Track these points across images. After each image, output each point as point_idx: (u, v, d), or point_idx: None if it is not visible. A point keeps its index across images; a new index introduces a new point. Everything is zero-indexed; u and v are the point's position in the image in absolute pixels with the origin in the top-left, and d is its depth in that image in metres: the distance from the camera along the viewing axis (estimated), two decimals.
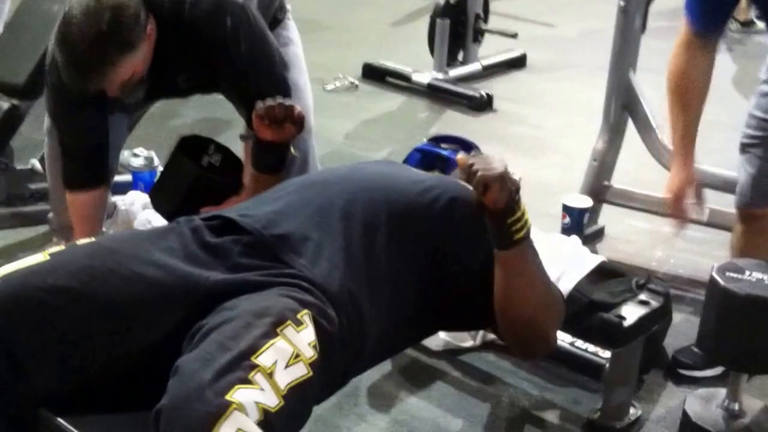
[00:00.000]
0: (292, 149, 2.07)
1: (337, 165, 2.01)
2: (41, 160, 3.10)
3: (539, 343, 1.74)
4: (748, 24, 5.90)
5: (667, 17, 6.08)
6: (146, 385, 1.42)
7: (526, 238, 1.63)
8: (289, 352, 1.39)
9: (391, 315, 1.69)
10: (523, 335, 1.71)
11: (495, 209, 1.59)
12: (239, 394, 1.30)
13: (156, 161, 3.39)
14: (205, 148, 2.28)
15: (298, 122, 1.97)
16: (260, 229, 1.64)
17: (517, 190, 1.60)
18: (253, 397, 1.31)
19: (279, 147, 2.02)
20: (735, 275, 1.94)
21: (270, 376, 1.35)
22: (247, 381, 1.32)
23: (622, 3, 2.92)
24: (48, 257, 1.55)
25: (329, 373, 1.52)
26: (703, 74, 2.42)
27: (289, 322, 1.43)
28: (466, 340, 2.58)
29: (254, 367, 1.34)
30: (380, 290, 1.66)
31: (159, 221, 2.85)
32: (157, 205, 2.40)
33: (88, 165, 2.40)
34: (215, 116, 4.12)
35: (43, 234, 3.01)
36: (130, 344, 1.50)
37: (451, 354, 2.56)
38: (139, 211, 3.06)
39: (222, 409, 1.28)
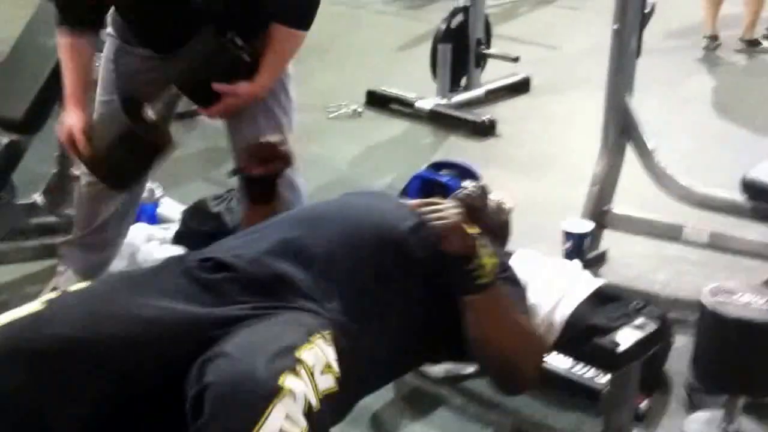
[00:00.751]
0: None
1: (329, 196, 2.02)
2: (45, 193, 3.13)
3: (514, 382, 1.74)
4: (753, 43, 5.91)
5: (677, 37, 6.13)
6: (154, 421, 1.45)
7: (491, 283, 1.63)
8: (323, 359, 1.42)
9: (384, 346, 1.70)
10: (498, 374, 1.72)
11: (454, 257, 1.60)
12: (290, 381, 1.32)
13: (158, 193, 3.41)
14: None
15: (285, 159, 2.02)
16: (253, 268, 1.64)
17: (476, 237, 1.60)
18: (301, 387, 1.34)
19: (268, 179, 2.04)
20: (724, 299, 1.95)
21: (312, 375, 1.37)
22: (294, 371, 1.34)
23: (615, 26, 2.93)
24: (44, 305, 1.54)
25: (346, 395, 1.52)
26: None
27: (318, 334, 1.46)
28: (467, 366, 2.58)
29: (299, 361, 1.36)
30: (374, 324, 1.67)
31: (163, 253, 2.88)
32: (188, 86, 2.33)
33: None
34: (219, 146, 4.13)
35: (48, 267, 3.03)
36: (136, 385, 1.49)
37: (453, 380, 2.55)
38: (142, 243, 3.08)
39: (275, 391, 1.30)
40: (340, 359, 1.48)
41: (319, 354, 1.41)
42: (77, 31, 2.33)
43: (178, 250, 2.96)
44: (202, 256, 1.72)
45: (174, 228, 3.20)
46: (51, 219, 3.11)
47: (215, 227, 3.04)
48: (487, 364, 1.72)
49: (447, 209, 1.60)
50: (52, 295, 1.61)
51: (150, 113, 2.25)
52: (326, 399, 1.39)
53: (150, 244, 3.10)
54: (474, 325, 1.65)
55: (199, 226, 3.12)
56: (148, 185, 3.41)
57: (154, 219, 3.32)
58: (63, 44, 2.34)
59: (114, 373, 1.48)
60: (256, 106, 2.36)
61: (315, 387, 1.37)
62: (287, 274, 1.64)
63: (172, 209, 3.36)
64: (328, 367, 1.42)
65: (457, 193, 2.14)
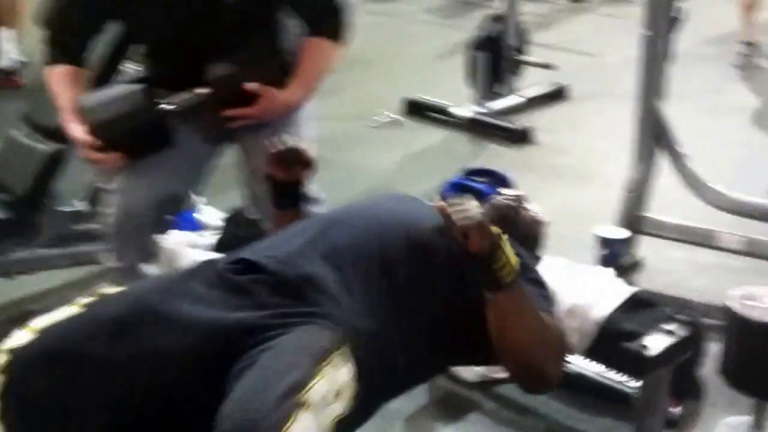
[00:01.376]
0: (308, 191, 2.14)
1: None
2: (86, 200, 3.19)
3: (538, 381, 1.75)
4: None
5: (714, 43, 6.09)
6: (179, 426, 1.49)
7: (514, 282, 1.65)
8: (333, 387, 1.44)
9: (414, 349, 1.72)
10: (522, 373, 1.74)
11: (478, 256, 1.62)
12: (294, 428, 1.35)
13: (198, 200, 3.47)
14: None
15: (308, 164, 2.05)
16: (284, 269, 1.67)
17: (500, 236, 1.63)
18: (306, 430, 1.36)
19: (292, 185, 2.08)
20: (751, 302, 1.95)
21: (317, 412, 1.40)
22: (299, 415, 1.37)
23: (646, 32, 2.93)
24: (81, 309, 1.60)
25: (365, 406, 1.56)
26: None
27: (328, 359, 1.47)
28: (500, 371, 2.59)
29: (301, 404, 1.38)
30: (401, 327, 1.69)
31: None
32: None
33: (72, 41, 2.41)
34: None
35: (90, 274, 3.10)
36: (169, 390, 1.53)
37: (486, 385, 2.57)
38: (184, 249, 3.13)
39: None
40: (360, 368, 1.51)
41: (329, 383, 1.44)
42: (72, 65, 2.39)
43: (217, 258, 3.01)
44: (233, 259, 1.76)
45: (214, 235, 3.25)
46: (93, 225, 3.16)
47: (254, 234, 3.07)
48: (509, 363, 1.73)
49: (470, 208, 1.61)
50: (90, 299, 1.65)
51: (165, 104, 2.32)
52: (340, 423, 1.44)
53: (192, 251, 3.15)
54: (496, 323, 1.67)
55: (239, 233, 3.16)
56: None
57: (195, 225, 3.37)
58: (57, 72, 2.38)
59: (142, 380, 1.52)
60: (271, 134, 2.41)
61: (322, 423, 1.40)
62: (316, 274, 1.67)
63: (211, 216, 3.41)
64: (339, 393, 1.45)
65: (493, 198, 2.16)
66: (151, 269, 2.88)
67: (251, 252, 1.77)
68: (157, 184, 2.48)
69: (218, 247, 3.16)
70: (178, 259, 3.08)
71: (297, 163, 2.06)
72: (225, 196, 3.65)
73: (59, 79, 2.37)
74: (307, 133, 2.50)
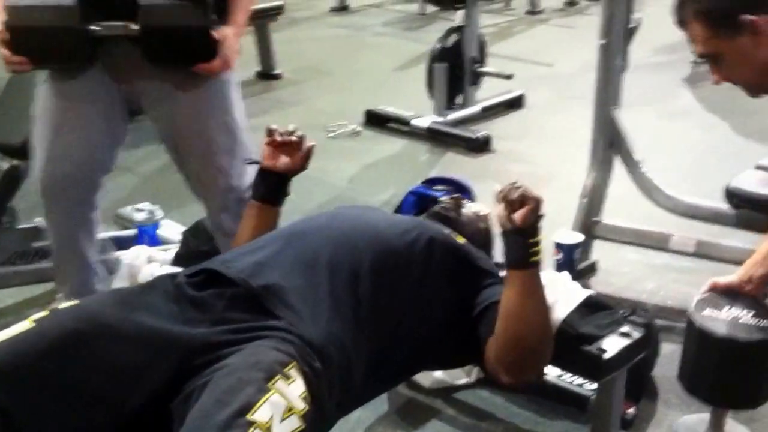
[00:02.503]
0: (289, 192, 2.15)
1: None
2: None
3: (532, 366, 1.81)
4: None
5: (667, 52, 6.18)
6: None
7: (540, 263, 1.74)
8: (283, 405, 1.44)
9: (378, 355, 1.74)
10: (521, 358, 1.77)
11: (522, 227, 1.70)
12: None
13: (158, 214, 3.47)
14: None
15: (306, 155, 2.09)
16: (246, 278, 1.68)
17: (541, 218, 1.74)
18: None
19: (280, 177, 2.09)
20: (712, 312, 1.99)
21: (269, 429, 1.40)
22: None
23: (601, 41, 2.99)
24: (33, 324, 1.57)
25: (321, 420, 1.56)
26: None
27: (279, 376, 1.47)
28: (460, 377, 2.62)
29: (251, 424, 1.38)
30: (367, 334, 1.71)
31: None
32: None
33: None
34: None
35: (49, 291, 3.08)
36: (120, 406, 1.52)
37: (446, 392, 2.60)
38: (143, 265, 3.13)
39: None
40: (315, 382, 1.53)
41: (279, 400, 1.44)
42: None
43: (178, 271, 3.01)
44: (193, 270, 1.76)
45: (174, 249, 3.25)
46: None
47: (214, 247, 3.08)
48: (511, 346, 1.75)
49: (527, 188, 1.72)
50: (42, 314, 1.63)
51: (92, 27, 2.31)
52: None
53: (151, 265, 3.15)
54: (514, 302, 1.73)
55: (198, 247, 3.16)
56: (149, 207, 3.47)
57: (155, 240, 3.38)
58: None
59: (94, 397, 1.52)
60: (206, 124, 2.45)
61: None
62: (278, 284, 1.68)
63: (173, 231, 3.41)
64: (290, 409, 1.45)
65: (433, 208, 2.21)
66: (113, 283, 2.88)
67: (213, 263, 1.78)
68: (83, 142, 2.46)
69: (176, 260, 3.16)
70: (138, 274, 3.08)
71: (292, 153, 2.08)
72: (185, 210, 3.66)
73: None
74: (241, 113, 2.52)
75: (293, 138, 2.06)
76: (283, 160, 2.08)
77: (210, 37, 2.32)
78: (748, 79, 1.93)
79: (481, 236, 2.16)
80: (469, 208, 2.22)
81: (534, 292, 1.75)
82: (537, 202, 1.71)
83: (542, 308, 1.78)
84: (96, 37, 2.32)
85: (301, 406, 1.47)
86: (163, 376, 1.53)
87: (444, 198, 2.25)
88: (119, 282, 2.98)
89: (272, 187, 2.09)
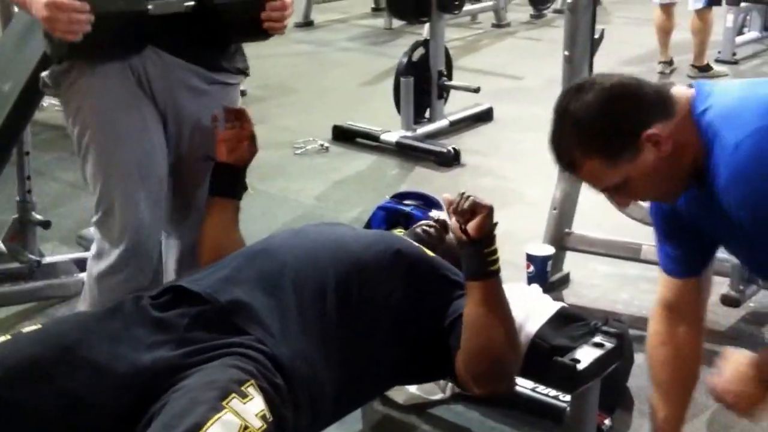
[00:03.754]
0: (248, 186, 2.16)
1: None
2: (6, 240, 3.12)
3: (499, 376, 1.80)
4: (705, 69, 5.99)
5: (633, 64, 6.23)
6: None
7: (499, 272, 1.73)
8: (237, 424, 1.42)
9: (350, 371, 1.73)
10: (487, 368, 1.76)
11: (476, 237, 1.69)
12: None
13: None
14: None
15: (253, 144, 2.10)
16: (213, 294, 1.66)
17: (495, 226, 1.73)
18: None
19: (235, 170, 2.11)
20: None
21: None
22: None
23: (566, 53, 2.99)
24: None
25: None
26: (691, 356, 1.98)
27: (234, 394, 1.45)
28: (435, 392, 2.59)
29: None
30: (335, 349, 1.70)
31: None
32: None
33: None
34: None
35: (13, 314, 3.03)
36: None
37: (421, 407, 2.57)
38: None
39: None
40: (277, 400, 1.51)
41: (233, 419, 1.42)
42: None
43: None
44: (158, 291, 1.74)
45: None
46: (14, 266, 3.09)
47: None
48: (477, 357, 1.75)
49: (476, 197, 1.71)
50: (3, 338, 1.61)
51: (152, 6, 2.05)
52: None
53: None
54: (476, 312, 1.72)
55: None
56: None
57: None
58: None
59: (56, 424, 1.49)
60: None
61: None
62: (245, 300, 1.66)
63: None
64: (245, 428, 1.42)
65: (415, 227, 2.18)
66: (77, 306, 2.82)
67: (178, 281, 1.76)
68: (157, 193, 2.16)
69: None
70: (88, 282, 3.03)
71: (243, 143, 2.10)
72: None
73: None
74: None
75: (236, 123, 2.11)
76: (236, 153, 2.11)
77: None
78: (661, 189, 1.74)
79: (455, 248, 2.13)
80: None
81: (495, 302, 1.73)
82: (489, 211, 1.70)
83: (505, 318, 1.76)
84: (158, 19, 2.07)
85: (257, 424, 1.44)
86: (126, 402, 1.51)
87: (432, 217, 2.23)
88: (82, 304, 2.92)
89: (231, 180, 2.12)
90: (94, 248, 2.22)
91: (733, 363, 1.76)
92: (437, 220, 2.20)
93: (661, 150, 1.64)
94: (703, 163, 1.65)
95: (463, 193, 1.72)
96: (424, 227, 2.17)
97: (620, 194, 1.76)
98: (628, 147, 1.64)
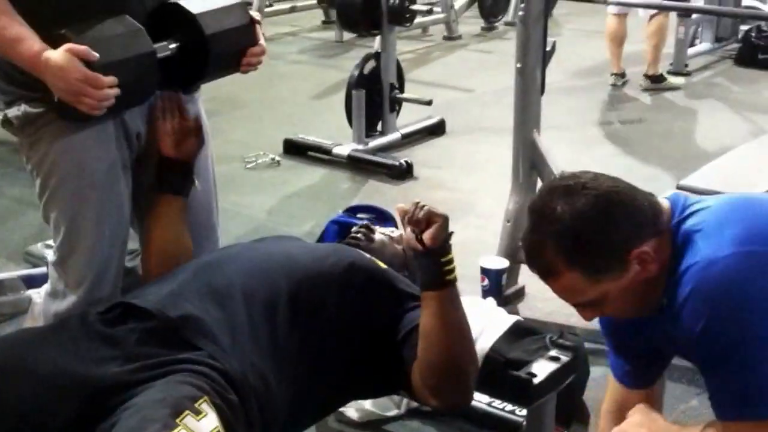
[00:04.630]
0: (196, 182, 2.12)
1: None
2: None
3: (457, 388, 1.78)
4: (658, 79, 6.05)
5: (581, 76, 6.29)
6: None
7: (455, 281, 1.72)
8: None
9: (303, 386, 1.71)
10: (444, 380, 1.74)
11: (432, 247, 1.67)
12: None
13: None
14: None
15: (198, 132, 2.06)
16: (162, 309, 1.64)
17: (450, 235, 1.71)
18: None
19: (183, 165, 2.07)
20: None
21: None
22: None
23: (518, 65, 3.00)
24: None
25: None
26: None
27: (187, 411, 1.43)
28: (390, 408, 2.57)
29: None
30: (288, 363, 1.68)
31: None
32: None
33: None
34: None
35: None
36: None
37: (376, 424, 2.55)
38: None
39: None
40: (231, 415, 1.49)
41: None
42: None
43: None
44: (105, 307, 1.71)
45: None
46: None
47: (129, 283, 2.98)
48: (434, 371, 1.73)
49: (433, 207, 1.70)
50: None
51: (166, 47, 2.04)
52: None
53: None
54: (432, 323, 1.70)
55: None
56: None
57: None
58: None
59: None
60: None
61: None
62: (195, 314, 1.64)
63: None
64: None
65: (347, 240, 2.17)
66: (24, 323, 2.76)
67: (126, 296, 1.75)
68: (121, 237, 2.10)
69: None
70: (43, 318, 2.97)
71: (189, 137, 2.05)
72: None
73: None
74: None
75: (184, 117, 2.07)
76: (182, 146, 2.07)
77: (255, 28, 2.16)
78: (635, 306, 1.64)
79: (398, 258, 2.13)
80: (380, 233, 2.20)
81: (452, 312, 1.73)
82: (444, 220, 1.70)
83: (462, 328, 1.76)
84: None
85: None
86: (72, 418, 1.48)
87: (354, 229, 2.22)
88: (30, 321, 2.86)
89: (177, 176, 2.07)
90: (48, 287, 2.17)
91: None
92: (362, 225, 2.20)
93: (647, 269, 1.55)
94: (669, 267, 1.56)
95: (418, 203, 1.71)
96: (353, 234, 2.16)
97: (592, 309, 1.66)
98: (616, 264, 1.54)
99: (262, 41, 2.18)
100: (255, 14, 2.20)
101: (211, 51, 2.05)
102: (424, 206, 1.69)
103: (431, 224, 1.68)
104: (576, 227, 1.53)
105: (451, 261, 1.72)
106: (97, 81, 1.82)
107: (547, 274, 1.61)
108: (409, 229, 1.71)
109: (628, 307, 1.65)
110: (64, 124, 1.98)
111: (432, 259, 1.70)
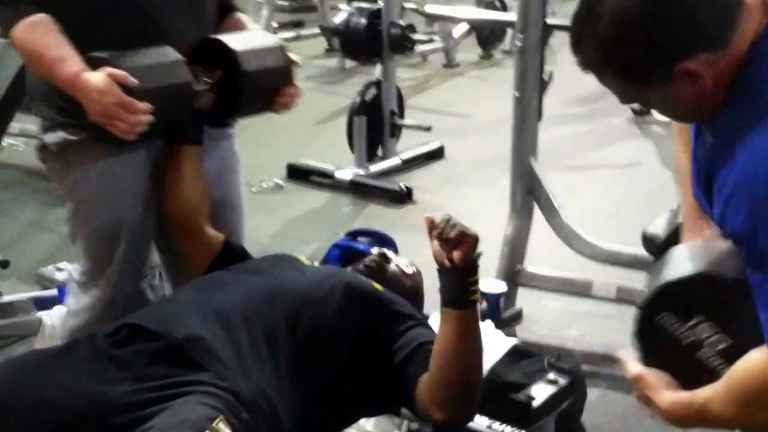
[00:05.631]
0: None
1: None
2: None
3: (466, 403, 1.82)
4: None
5: (577, 104, 6.37)
6: None
7: (477, 301, 1.76)
8: None
9: (306, 408, 1.74)
10: (455, 394, 1.78)
11: (460, 266, 1.68)
12: None
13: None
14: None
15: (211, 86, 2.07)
16: (170, 330, 1.67)
17: (479, 256, 1.72)
18: None
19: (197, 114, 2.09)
20: None
21: None
22: None
23: (516, 94, 3.08)
24: None
25: None
26: None
27: (208, 431, 1.47)
28: (390, 431, 2.61)
29: None
30: (289, 387, 1.72)
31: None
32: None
33: None
34: None
35: None
36: None
37: None
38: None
39: None
40: (247, 431, 1.53)
41: None
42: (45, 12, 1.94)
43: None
44: (115, 327, 1.74)
45: None
46: None
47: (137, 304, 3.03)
48: (446, 385, 1.76)
49: (465, 225, 1.70)
50: None
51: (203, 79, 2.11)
52: None
53: None
54: (452, 340, 1.73)
55: None
56: (70, 267, 3.40)
57: None
58: (33, 23, 1.92)
59: None
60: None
61: None
62: (202, 335, 1.67)
63: None
64: None
65: (358, 264, 2.21)
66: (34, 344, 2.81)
67: (132, 317, 1.77)
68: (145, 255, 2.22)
69: None
70: (59, 335, 3.02)
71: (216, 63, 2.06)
72: None
73: (41, 29, 1.93)
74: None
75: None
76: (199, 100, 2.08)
77: (291, 70, 2.24)
78: (682, 115, 1.50)
79: (407, 294, 2.14)
80: (395, 265, 2.23)
81: (472, 330, 1.76)
82: (474, 240, 1.71)
83: (479, 346, 1.79)
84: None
85: None
86: None
87: (372, 252, 2.27)
88: (40, 343, 2.91)
89: (191, 125, 2.11)
90: (73, 304, 2.22)
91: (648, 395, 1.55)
92: (378, 254, 2.23)
93: (697, 86, 1.36)
94: (731, 86, 1.36)
95: (449, 220, 1.70)
96: (366, 262, 2.19)
97: (641, 105, 1.54)
98: (658, 74, 1.36)
99: (297, 83, 2.25)
100: (294, 57, 2.27)
101: (246, 87, 2.11)
102: (455, 224, 1.69)
103: (461, 243, 1.69)
104: (617, 29, 1.35)
105: (476, 282, 1.74)
106: (132, 106, 1.87)
107: (584, 67, 1.46)
108: (436, 243, 1.72)
109: (672, 115, 1.51)
110: (99, 152, 2.04)
111: (458, 277, 1.71)
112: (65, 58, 1.91)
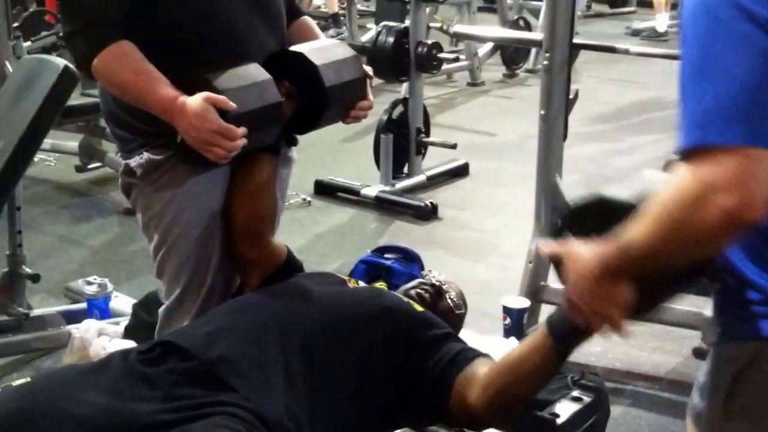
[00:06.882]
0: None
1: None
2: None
3: (517, 412, 1.89)
4: None
5: (599, 122, 6.38)
6: None
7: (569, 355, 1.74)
8: None
9: (339, 427, 1.75)
10: (508, 407, 1.84)
11: (579, 329, 1.61)
12: None
13: (109, 287, 3.45)
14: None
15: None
16: (201, 349, 1.68)
17: None
18: None
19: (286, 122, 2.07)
20: None
21: None
22: None
23: (542, 112, 3.11)
24: None
25: None
26: None
27: None
28: None
29: None
30: (321, 403, 1.72)
31: (114, 348, 2.91)
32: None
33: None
34: None
35: (1, 366, 3.05)
36: None
37: None
38: (93, 338, 3.10)
39: None
40: None
41: None
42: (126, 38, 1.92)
43: (129, 344, 3.00)
44: (147, 346, 1.76)
45: (125, 322, 3.24)
46: (2, 318, 3.11)
47: (135, 324, 3.06)
48: (507, 396, 1.80)
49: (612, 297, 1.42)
50: None
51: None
52: None
53: (101, 338, 3.13)
54: (533, 364, 1.74)
55: (148, 319, 3.15)
56: (99, 281, 3.45)
57: (106, 313, 3.36)
58: (119, 51, 1.90)
59: None
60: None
61: None
62: (231, 355, 1.68)
63: (125, 303, 3.40)
64: None
65: (410, 289, 2.22)
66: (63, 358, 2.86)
67: (171, 335, 1.79)
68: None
69: (126, 333, 3.15)
70: (89, 348, 3.06)
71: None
72: (134, 282, 3.66)
73: (125, 55, 1.90)
74: None
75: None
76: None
77: (366, 83, 2.21)
78: None
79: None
80: (448, 300, 2.23)
81: (554, 364, 1.75)
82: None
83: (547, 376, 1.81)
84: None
85: None
86: None
87: (426, 281, 2.26)
88: (69, 357, 2.96)
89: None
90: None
91: (575, 264, 1.41)
92: (433, 285, 2.22)
93: None
94: None
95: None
96: (419, 291, 2.18)
97: None
98: None
99: (370, 96, 2.23)
100: (367, 69, 2.25)
101: (327, 102, 2.09)
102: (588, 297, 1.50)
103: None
104: None
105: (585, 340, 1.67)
106: (230, 133, 1.84)
107: None
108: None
109: None
110: (186, 170, 2.01)
111: (571, 335, 1.65)
112: (157, 83, 1.88)
